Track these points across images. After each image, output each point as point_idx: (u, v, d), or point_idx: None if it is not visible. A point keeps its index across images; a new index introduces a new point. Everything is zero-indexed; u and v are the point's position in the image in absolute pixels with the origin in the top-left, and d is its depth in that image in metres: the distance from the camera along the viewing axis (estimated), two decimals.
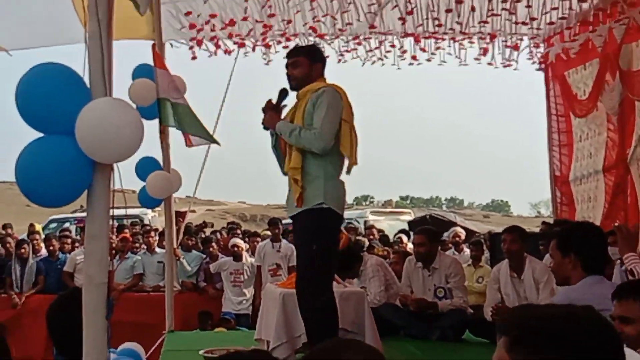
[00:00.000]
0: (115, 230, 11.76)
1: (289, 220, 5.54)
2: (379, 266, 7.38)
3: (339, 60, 9.50)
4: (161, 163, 7.01)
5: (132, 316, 9.08)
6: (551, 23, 8.77)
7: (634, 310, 2.89)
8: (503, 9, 8.24)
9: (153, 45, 6.92)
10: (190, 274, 10.38)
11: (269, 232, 10.98)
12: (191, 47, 9.10)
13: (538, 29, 9.02)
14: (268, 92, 5.24)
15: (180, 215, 11.61)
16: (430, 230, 7.48)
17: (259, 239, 11.05)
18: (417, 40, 9.31)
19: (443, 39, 9.33)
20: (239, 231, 12.59)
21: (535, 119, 11.71)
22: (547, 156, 10.55)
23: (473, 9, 8.28)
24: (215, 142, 6.78)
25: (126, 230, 12.05)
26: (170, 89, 6.53)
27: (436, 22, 8.62)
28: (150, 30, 7.45)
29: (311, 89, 5.01)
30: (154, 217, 16.91)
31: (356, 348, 1.92)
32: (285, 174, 5.14)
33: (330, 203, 4.86)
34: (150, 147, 6.61)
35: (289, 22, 8.55)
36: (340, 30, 8.88)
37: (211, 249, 10.53)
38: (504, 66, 9.69)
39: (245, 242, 10.86)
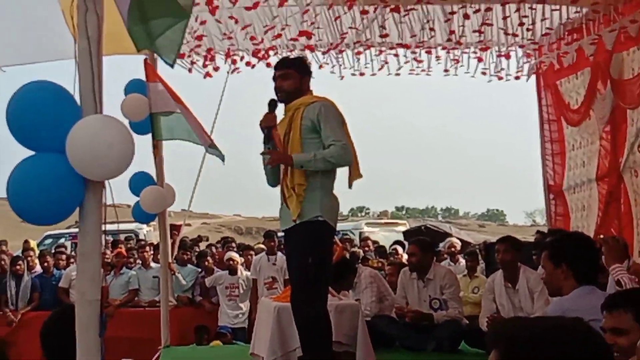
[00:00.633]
0: (110, 245, 11.74)
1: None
2: (372, 277, 7.38)
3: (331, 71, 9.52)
4: (155, 178, 7.01)
5: (127, 332, 9.05)
6: (546, 34, 8.80)
7: (625, 321, 2.88)
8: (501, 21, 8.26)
9: (145, 60, 6.93)
10: (186, 289, 10.35)
11: (262, 246, 10.96)
12: (189, 69, 9.18)
13: (530, 39, 9.06)
14: (263, 105, 5.23)
15: (175, 228, 11.62)
16: (423, 241, 7.46)
17: (252, 252, 11.03)
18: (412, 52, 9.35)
19: (434, 48, 9.37)
20: (233, 244, 12.58)
21: (529, 127, 11.75)
22: (541, 165, 10.58)
23: (467, 16, 8.28)
24: (207, 148, 6.77)
25: (121, 246, 12.02)
26: (164, 101, 6.56)
27: (431, 34, 8.65)
28: None
29: (303, 103, 5.02)
30: (149, 232, 16.87)
31: None
32: (273, 185, 5.16)
33: (326, 216, 4.89)
34: (143, 162, 6.62)
35: (278, 36, 8.57)
36: (331, 44, 8.90)
37: (206, 263, 10.50)
38: (498, 78, 9.74)
39: (239, 255, 10.84)
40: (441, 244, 12.13)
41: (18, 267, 10.18)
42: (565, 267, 3.69)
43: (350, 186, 5.10)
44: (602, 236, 6.74)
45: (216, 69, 9.30)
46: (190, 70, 9.21)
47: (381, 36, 8.57)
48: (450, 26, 8.53)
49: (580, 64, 9.02)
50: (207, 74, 9.31)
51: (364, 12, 8.09)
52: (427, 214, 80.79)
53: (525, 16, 8.21)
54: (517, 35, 8.73)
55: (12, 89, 3.02)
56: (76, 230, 3.17)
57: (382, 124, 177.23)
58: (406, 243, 12.68)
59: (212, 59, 9.17)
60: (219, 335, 9.38)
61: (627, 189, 8.44)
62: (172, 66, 3.42)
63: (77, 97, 3.03)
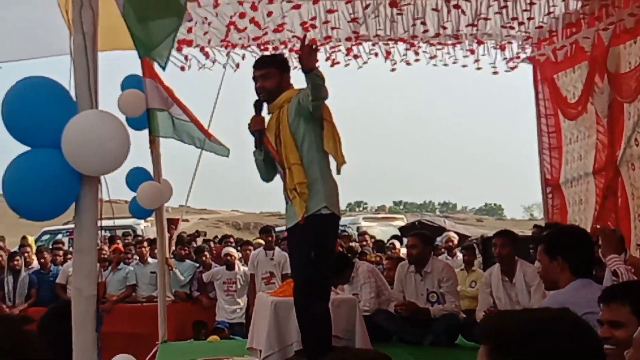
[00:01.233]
0: (107, 241, 11.74)
1: (282, 228, 5.56)
2: (370, 272, 7.39)
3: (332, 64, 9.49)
4: (152, 173, 7.01)
5: (125, 327, 9.08)
6: (539, 27, 8.79)
7: (622, 313, 2.87)
8: (496, 12, 8.25)
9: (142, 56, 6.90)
10: (183, 284, 10.36)
11: (261, 241, 10.97)
12: (182, 67, 9.16)
13: (526, 32, 9.04)
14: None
15: (173, 222, 11.61)
16: (424, 234, 7.53)
17: (251, 248, 11.05)
18: (411, 45, 9.32)
19: (433, 44, 9.35)
20: (231, 239, 12.59)
21: (526, 121, 11.76)
22: (538, 159, 10.58)
23: (462, 11, 8.26)
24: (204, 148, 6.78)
25: (118, 241, 12.02)
26: (160, 98, 6.55)
27: (424, 27, 8.62)
28: None
29: (286, 99, 5.04)
30: (146, 228, 16.87)
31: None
32: (267, 181, 5.17)
33: (328, 202, 4.91)
34: (140, 157, 6.62)
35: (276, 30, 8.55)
36: (326, 37, 8.87)
37: (204, 258, 10.52)
38: (493, 73, 9.72)
39: (237, 250, 10.85)
40: (438, 238, 12.15)
41: (15, 263, 10.18)
42: (561, 260, 3.69)
43: (338, 172, 5.06)
44: (598, 226, 6.76)
45: (213, 61, 9.26)
46: (182, 68, 9.18)
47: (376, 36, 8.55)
48: (441, 18, 8.49)
49: (578, 58, 9.01)
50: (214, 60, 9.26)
51: (366, 8, 8.12)
52: (424, 209, 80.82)
53: (526, 10, 8.20)
54: (513, 28, 8.70)
55: (7, 85, 3.02)
56: (73, 226, 3.17)
57: (380, 119, 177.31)
58: (403, 238, 12.73)
59: (207, 55, 9.15)
60: (216, 331, 9.40)
61: (624, 182, 8.45)
62: (164, 69, 3.44)
63: (72, 93, 3.03)
